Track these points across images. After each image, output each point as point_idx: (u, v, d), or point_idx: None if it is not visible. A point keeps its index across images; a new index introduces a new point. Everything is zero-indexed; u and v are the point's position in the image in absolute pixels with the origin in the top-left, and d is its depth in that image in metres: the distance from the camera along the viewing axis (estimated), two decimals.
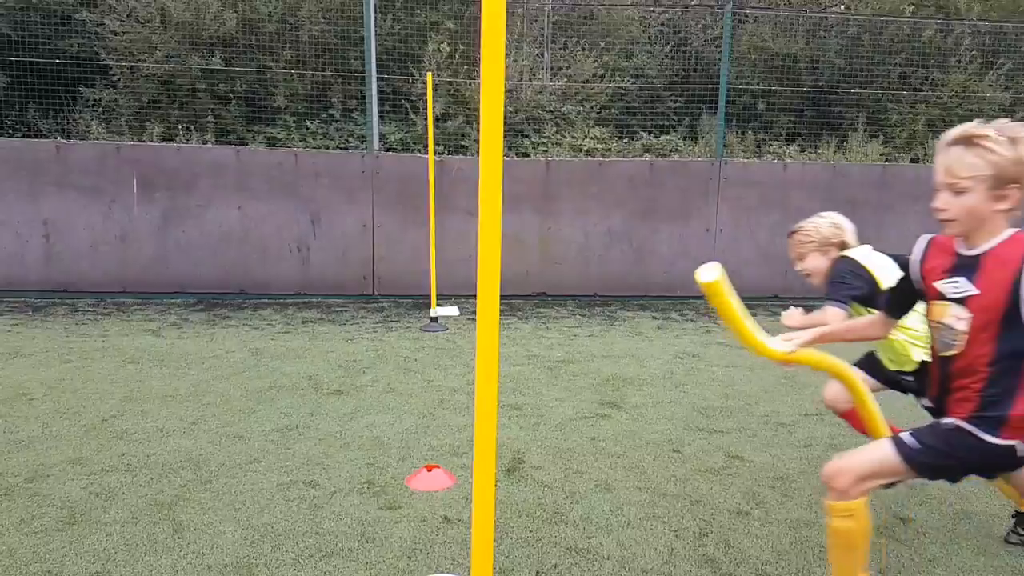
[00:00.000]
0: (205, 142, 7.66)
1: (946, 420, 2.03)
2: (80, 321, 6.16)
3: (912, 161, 8.40)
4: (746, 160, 7.90)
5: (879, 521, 2.99)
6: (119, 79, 7.97)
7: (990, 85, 8.66)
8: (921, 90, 8.75)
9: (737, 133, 8.65)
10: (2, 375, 4.64)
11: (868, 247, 3.14)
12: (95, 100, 7.99)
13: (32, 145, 6.89)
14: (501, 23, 1.54)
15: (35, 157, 6.80)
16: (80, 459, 3.38)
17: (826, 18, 9.10)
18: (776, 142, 8.68)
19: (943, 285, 2.01)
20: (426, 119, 7.44)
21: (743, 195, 7.45)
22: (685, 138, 8.81)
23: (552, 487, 3.23)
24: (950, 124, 8.72)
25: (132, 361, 5.00)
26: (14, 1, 7.87)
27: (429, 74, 6.28)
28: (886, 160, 8.33)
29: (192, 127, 7.77)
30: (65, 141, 7.06)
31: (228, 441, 3.67)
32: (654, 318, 6.72)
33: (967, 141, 1.90)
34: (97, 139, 7.47)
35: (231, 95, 8.03)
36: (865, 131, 8.51)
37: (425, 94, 7.53)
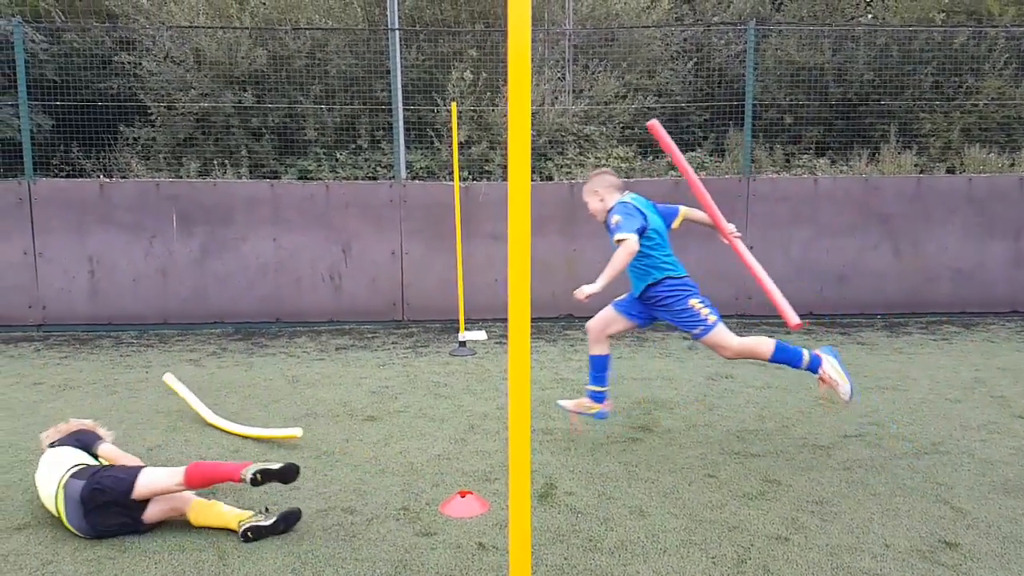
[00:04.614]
0: (239, 176, 7.88)
1: None
2: (124, 353, 6.35)
3: (948, 171, 8.23)
4: (775, 175, 7.84)
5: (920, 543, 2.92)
6: (156, 118, 8.28)
7: None
8: (955, 98, 8.60)
9: (765, 147, 8.59)
10: (53, 407, 4.81)
11: None
12: (134, 138, 8.31)
13: (77, 185, 7.18)
14: (526, 54, 1.57)
15: (80, 196, 7.09)
16: None
17: (852, 29, 9.02)
18: (806, 155, 8.59)
19: None
20: (451, 146, 7.57)
21: (774, 211, 7.38)
22: (712, 154, 8.78)
23: (585, 513, 3.22)
24: (987, 131, 8.64)
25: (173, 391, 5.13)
26: (58, 48, 8.26)
27: (454, 104, 6.40)
28: (920, 171, 8.18)
29: (227, 162, 8.01)
30: (108, 180, 7.33)
31: None
32: (684, 338, 6.65)
33: None
34: (138, 176, 7.76)
35: (263, 130, 8.28)
36: (898, 142, 8.38)
37: (449, 121, 7.67)
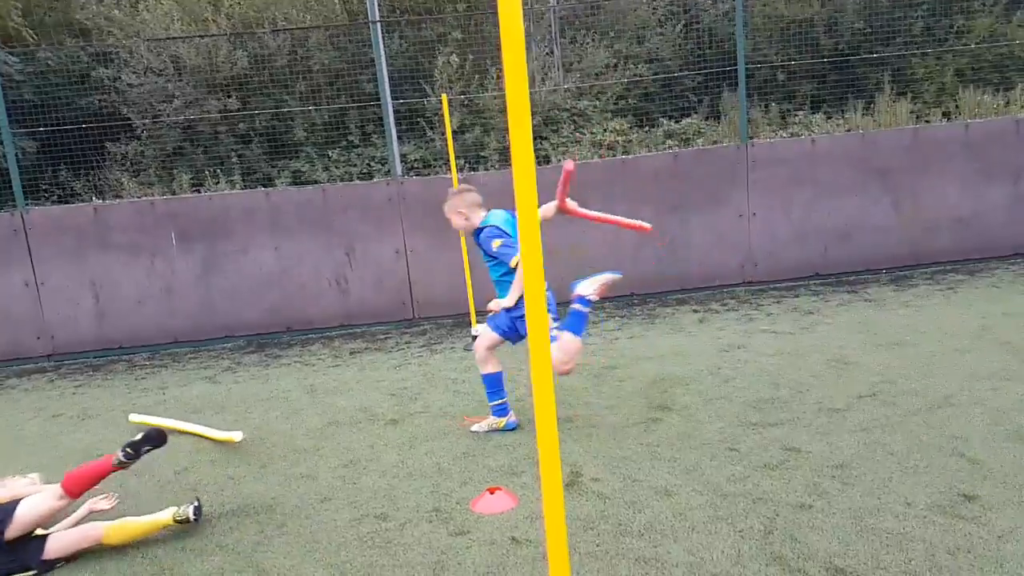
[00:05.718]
0: (232, 184, 7.84)
1: None
2: (139, 376, 6.39)
3: (944, 115, 8.16)
4: (772, 140, 7.79)
5: None
6: (142, 131, 8.19)
7: (1019, 26, 8.35)
8: (946, 40, 8.50)
9: (760, 107, 8.51)
10: (75, 438, 4.86)
11: None
12: (122, 155, 8.22)
13: (71, 210, 7.15)
14: (520, 40, 1.55)
15: (75, 222, 7.06)
16: None
17: None
18: (801, 112, 8.52)
19: None
20: (443, 134, 7.52)
21: (773, 175, 7.35)
22: (707, 118, 8.70)
23: (612, 498, 3.29)
24: (980, 72, 8.53)
25: (195, 411, 5.18)
26: (33, 68, 8.11)
27: (444, 95, 6.35)
28: (917, 117, 8.12)
29: (218, 170, 7.96)
30: (101, 202, 7.30)
31: (297, 482, 3.80)
32: (694, 311, 6.68)
33: None
34: (131, 195, 7.72)
35: (252, 134, 8.21)
36: (892, 90, 8.29)
37: (440, 109, 7.61)
